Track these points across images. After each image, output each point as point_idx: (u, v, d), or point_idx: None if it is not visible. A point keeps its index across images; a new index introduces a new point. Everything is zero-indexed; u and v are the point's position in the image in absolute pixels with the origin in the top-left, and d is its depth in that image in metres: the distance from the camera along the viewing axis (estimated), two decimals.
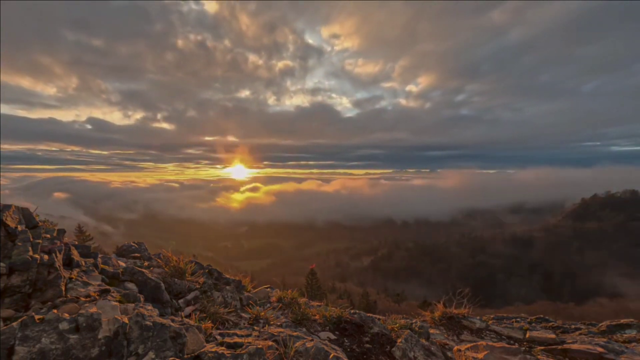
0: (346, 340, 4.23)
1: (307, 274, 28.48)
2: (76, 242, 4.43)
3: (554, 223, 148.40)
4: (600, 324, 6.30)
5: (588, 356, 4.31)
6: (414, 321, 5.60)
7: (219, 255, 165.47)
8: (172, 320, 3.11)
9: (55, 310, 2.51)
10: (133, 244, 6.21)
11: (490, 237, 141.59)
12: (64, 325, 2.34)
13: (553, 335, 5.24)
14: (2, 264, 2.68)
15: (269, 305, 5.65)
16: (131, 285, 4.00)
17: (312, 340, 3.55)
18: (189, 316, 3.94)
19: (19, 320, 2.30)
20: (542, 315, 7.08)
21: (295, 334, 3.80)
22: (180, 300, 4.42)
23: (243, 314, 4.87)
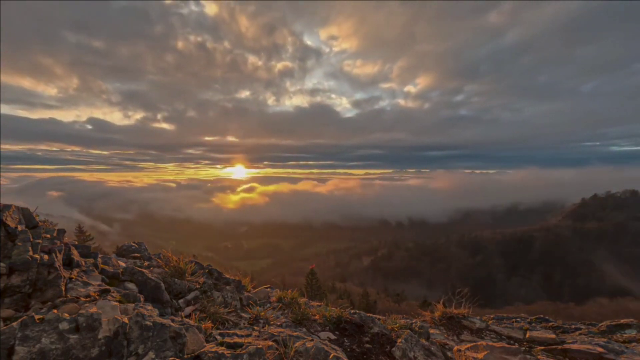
0: (346, 340, 4.23)
1: (307, 274, 28.48)
2: (76, 242, 4.43)
3: (554, 223, 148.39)
4: (600, 324, 6.31)
5: (588, 356, 4.31)
6: (414, 321, 5.60)
7: (219, 255, 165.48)
8: (172, 320, 3.11)
9: (55, 310, 2.51)
10: (133, 244, 6.21)
11: (490, 237, 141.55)
12: (64, 325, 2.34)
13: (553, 335, 5.24)
14: (2, 264, 2.68)
15: (269, 305, 5.65)
16: (131, 285, 4.00)
17: (312, 340, 3.55)
18: (189, 316, 3.94)
19: (19, 320, 2.30)
20: (542, 315, 7.08)
21: (295, 334, 3.80)
22: (180, 300, 4.42)
23: (243, 314, 4.87)
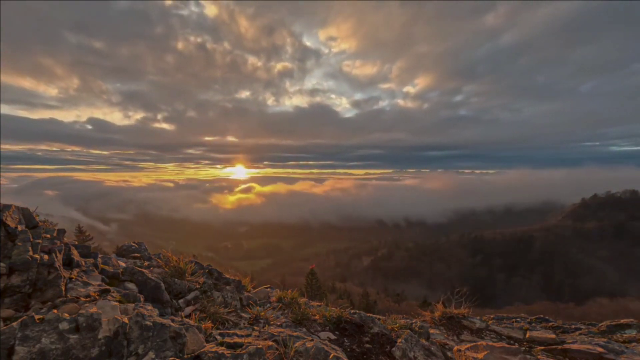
0: (346, 340, 4.23)
1: (307, 274, 28.46)
2: (76, 242, 4.43)
3: (554, 223, 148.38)
4: (600, 324, 6.31)
5: (588, 356, 4.31)
6: (414, 321, 5.61)
7: (219, 255, 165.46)
8: (172, 320, 3.11)
9: (55, 310, 2.51)
10: (133, 244, 6.21)
11: (490, 237, 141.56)
12: (64, 325, 2.34)
13: (553, 335, 5.24)
14: (2, 264, 2.68)
15: (269, 305, 5.65)
16: (131, 285, 4.00)
17: (312, 340, 3.55)
18: (189, 316, 3.94)
19: (19, 320, 2.30)
20: (542, 315, 7.08)
21: (295, 334, 3.80)
22: (180, 300, 4.42)
23: (243, 314, 4.87)
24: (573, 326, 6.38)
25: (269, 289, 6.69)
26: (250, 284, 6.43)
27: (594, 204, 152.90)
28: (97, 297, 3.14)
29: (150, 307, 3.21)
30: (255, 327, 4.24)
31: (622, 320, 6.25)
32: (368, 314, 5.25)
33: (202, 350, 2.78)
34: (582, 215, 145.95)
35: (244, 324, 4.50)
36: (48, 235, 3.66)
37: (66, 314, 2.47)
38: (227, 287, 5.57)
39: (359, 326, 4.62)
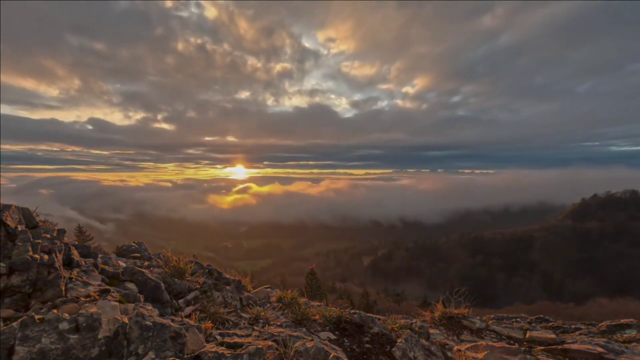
0: (346, 340, 4.23)
1: (307, 274, 28.46)
2: (76, 242, 4.43)
3: (554, 223, 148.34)
4: (600, 324, 6.31)
5: (588, 356, 4.31)
6: (414, 321, 5.60)
7: (219, 255, 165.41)
8: (172, 320, 3.11)
9: (55, 310, 2.51)
10: (133, 244, 6.21)
11: (490, 237, 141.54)
12: (64, 325, 2.34)
13: (553, 335, 5.24)
14: (2, 264, 2.68)
15: (269, 305, 5.64)
16: (131, 285, 3.99)
17: (312, 340, 3.55)
18: (189, 316, 3.94)
19: (19, 320, 2.30)
20: (542, 315, 7.08)
21: (295, 334, 3.80)
22: (180, 300, 4.42)
23: (243, 314, 4.87)
24: (573, 326, 6.38)
25: (269, 289, 6.69)
26: (250, 284, 6.42)
27: (594, 204, 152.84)
28: (97, 297, 3.14)
29: (150, 307, 3.20)
30: (255, 327, 4.24)
31: (622, 320, 6.25)
32: (368, 314, 5.25)
33: (202, 350, 2.78)
34: (582, 215, 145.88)
35: (244, 324, 4.50)
36: (48, 235, 3.66)
37: (66, 314, 2.46)
38: (227, 287, 5.57)
39: (359, 326, 4.62)
